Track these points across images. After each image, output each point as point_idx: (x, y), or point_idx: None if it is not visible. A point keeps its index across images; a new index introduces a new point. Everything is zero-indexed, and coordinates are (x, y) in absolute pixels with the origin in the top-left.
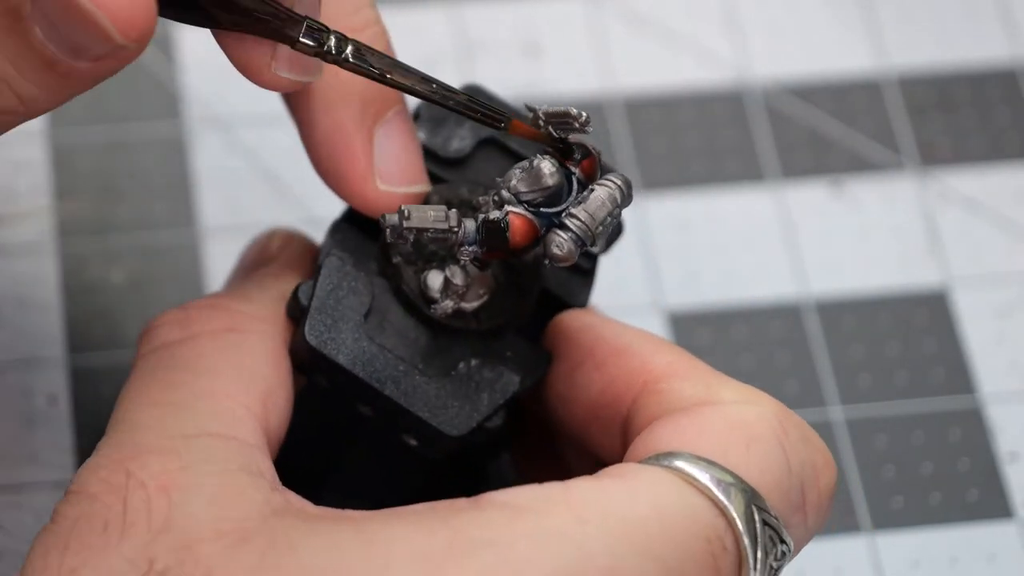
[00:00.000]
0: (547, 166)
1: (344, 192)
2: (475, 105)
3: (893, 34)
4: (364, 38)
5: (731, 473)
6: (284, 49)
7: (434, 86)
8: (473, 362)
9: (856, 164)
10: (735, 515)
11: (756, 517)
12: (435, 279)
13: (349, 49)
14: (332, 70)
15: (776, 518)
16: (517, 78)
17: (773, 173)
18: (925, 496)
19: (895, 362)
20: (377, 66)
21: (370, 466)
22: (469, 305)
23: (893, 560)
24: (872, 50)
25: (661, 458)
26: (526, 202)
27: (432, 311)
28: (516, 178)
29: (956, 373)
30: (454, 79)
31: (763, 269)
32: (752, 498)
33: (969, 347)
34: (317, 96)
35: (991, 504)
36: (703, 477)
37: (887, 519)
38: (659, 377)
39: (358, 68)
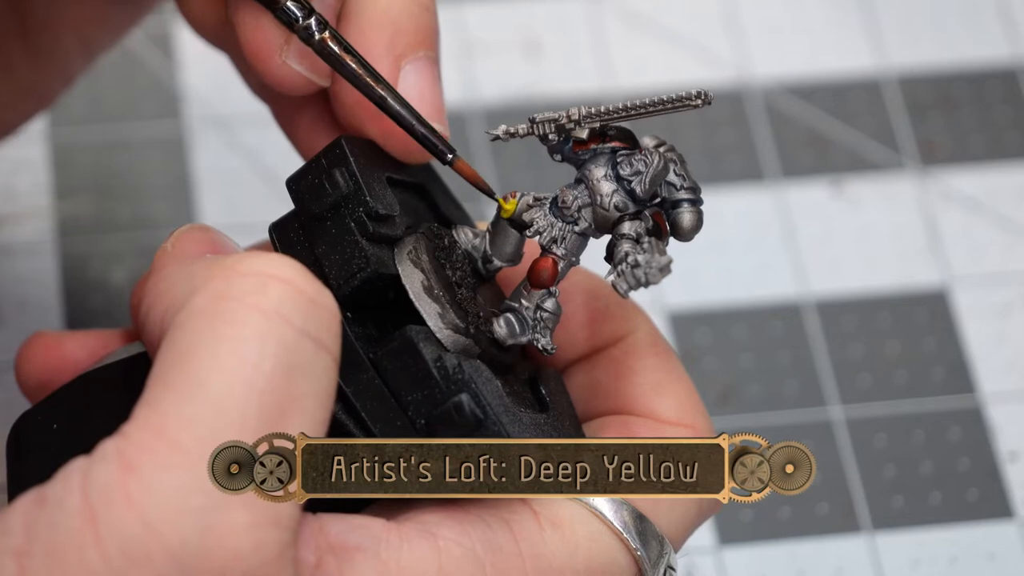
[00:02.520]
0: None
1: (361, 109)
2: (424, 132)
3: (893, 34)
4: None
5: (657, 532)
6: (299, 41)
7: (390, 102)
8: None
9: (856, 164)
10: (648, 570)
11: (661, 569)
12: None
13: (326, 34)
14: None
15: (674, 567)
16: (517, 78)
17: (773, 173)
18: (925, 496)
19: (895, 362)
20: (342, 60)
21: None
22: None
23: (893, 560)
24: (872, 50)
25: (604, 499)
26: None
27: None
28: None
29: (956, 373)
30: (454, 79)
31: (763, 269)
32: (663, 549)
33: (969, 347)
34: (349, 17)
35: (991, 504)
36: (634, 541)
37: (887, 519)
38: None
39: (323, 53)
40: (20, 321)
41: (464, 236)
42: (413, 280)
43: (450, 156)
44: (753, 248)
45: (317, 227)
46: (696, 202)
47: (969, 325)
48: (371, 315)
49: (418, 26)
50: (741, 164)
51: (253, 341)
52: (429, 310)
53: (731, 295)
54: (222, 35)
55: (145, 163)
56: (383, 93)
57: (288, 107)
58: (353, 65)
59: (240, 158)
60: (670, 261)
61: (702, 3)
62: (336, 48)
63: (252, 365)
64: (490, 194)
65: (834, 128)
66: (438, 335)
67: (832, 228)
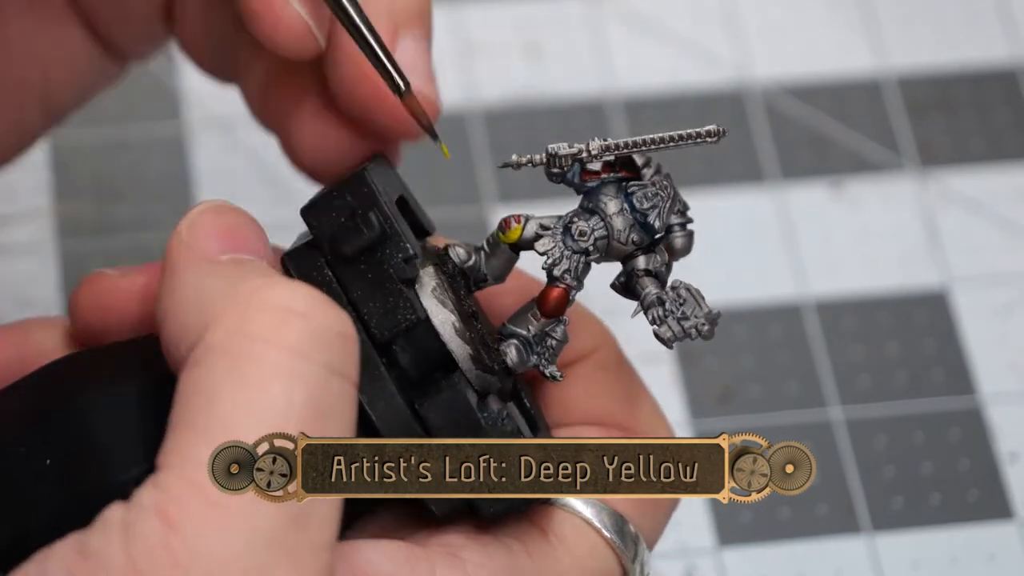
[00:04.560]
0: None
1: (357, 72)
2: (383, 57)
3: (893, 34)
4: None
5: (632, 531)
6: None
7: (361, 21)
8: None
9: (856, 164)
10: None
11: (638, 568)
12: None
13: None
14: None
15: (648, 563)
16: (517, 79)
17: (773, 173)
18: (925, 496)
19: (895, 362)
20: None
21: None
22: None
23: (893, 560)
24: (872, 50)
25: (589, 506)
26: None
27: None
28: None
29: (956, 373)
30: (454, 79)
31: (763, 269)
32: (638, 551)
33: (969, 347)
34: None
35: (991, 504)
36: (618, 543)
37: (887, 519)
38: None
39: None
40: None
41: (457, 256)
42: (444, 322)
43: (404, 87)
44: (753, 249)
45: (350, 270)
46: (686, 223)
47: (969, 325)
48: (393, 352)
49: (417, 5)
50: (741, 165)
51: (279, 384)
52: (462, 353)
53: (731, 295)
54: (223, 67)
55: (145, 163)
56: (359, 21)
57: (279, 102)
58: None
59: (240, 158)
60: (719, 314)
61: (702, 3)
62: None
63: (281, 411)
64: (433, 135)
65: (834, 129)
66: (469, 377)
67: (832, 229)
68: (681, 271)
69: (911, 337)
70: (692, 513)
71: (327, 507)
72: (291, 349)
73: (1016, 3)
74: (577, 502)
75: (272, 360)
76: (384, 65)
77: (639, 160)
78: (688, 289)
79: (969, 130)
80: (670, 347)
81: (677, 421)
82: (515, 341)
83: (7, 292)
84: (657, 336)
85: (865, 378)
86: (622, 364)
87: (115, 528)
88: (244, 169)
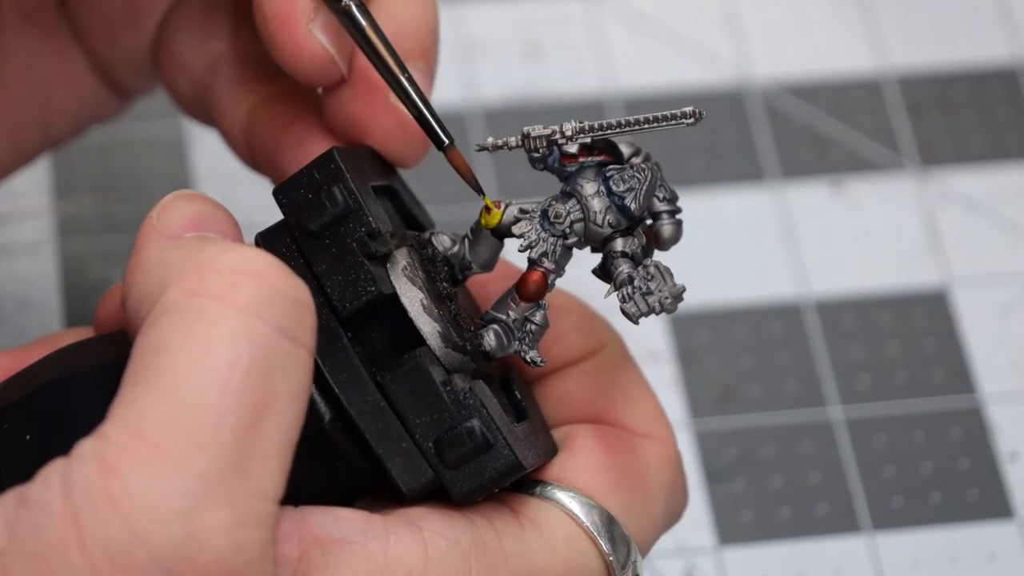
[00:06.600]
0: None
1: (377, 96)
2: (426, 114)
3: (893, 34)
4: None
5: (625, 534)
6: (327, 12)
7: (405, 78)
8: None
9: (856, 164)
10: (617, 571)
11: (629, 572)
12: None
13: (353, 4)
14: None
15: (640, 573)
16: (517, 78)
17: (773, 173)
18: (925, 496)
19: (895, 362)
20: (365, 34)
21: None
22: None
23: (893, 560)
24: (872, 50)
25: (576, 502)
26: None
27: (521, 353)
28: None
29: (956, 373)
30: (454, 79)
31: (763, 269)
32: (629, 554)
33: (969, 347)
34: None
35: (991, 504)
36: (605, 543)
37: (887, 519)
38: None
39: (346, 23)
40: (20, 321)
41: (441, 243)
42: (412, 299)
43: (447, 142)
44: (753, 248)
45: (315, 245)
46: (675, 212)
47: (969, 325)
48: (363, 329)
49: (421, 39)
50: (741, 164)
51: (227, 340)
52: (429, 329)
53: (731, 295)
54: (204, 109)
55: (145, 163)
56: (396, 69)
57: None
58: (373, 37)
59: None
60: (684, 289)
61: (702, 3)
62: (359, 17)
63: (227, 364)
64: (478, 190)
65: (834, 128)
66: (438, 353)
67: (832, 228)
68: (681, 271)
69: (911, 337)
70: (692, 512)
71: (269, 462)
72: (242, 308)
73: (1016, 3)
74: (565, 496)
75: (222, 317)
76: (427, 120)
77: (628, 150)
78: (658, 267)
79: (969, 130)
80: (636, 323)
81: (677, 421)
82: (495, 326)
83: (7, 292)
84: (623, 312)
85: (865, 378)
86: (626, 363)
87: (55, 477)
88: (244, 169)
